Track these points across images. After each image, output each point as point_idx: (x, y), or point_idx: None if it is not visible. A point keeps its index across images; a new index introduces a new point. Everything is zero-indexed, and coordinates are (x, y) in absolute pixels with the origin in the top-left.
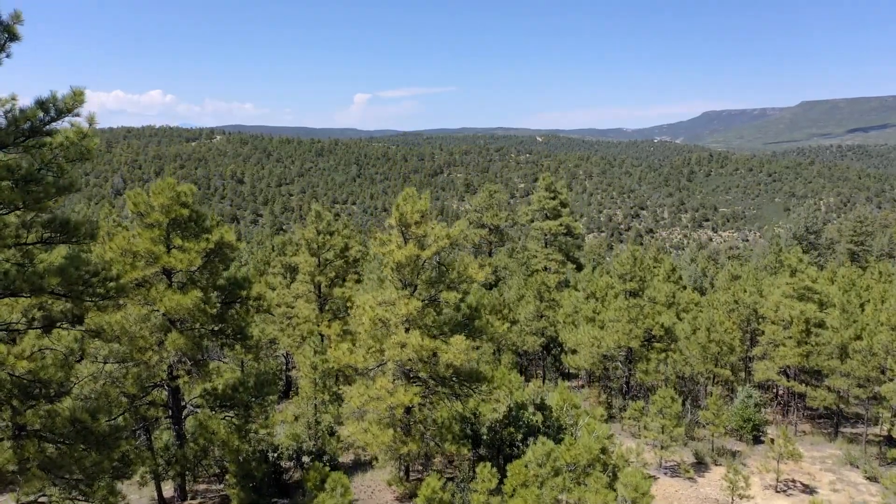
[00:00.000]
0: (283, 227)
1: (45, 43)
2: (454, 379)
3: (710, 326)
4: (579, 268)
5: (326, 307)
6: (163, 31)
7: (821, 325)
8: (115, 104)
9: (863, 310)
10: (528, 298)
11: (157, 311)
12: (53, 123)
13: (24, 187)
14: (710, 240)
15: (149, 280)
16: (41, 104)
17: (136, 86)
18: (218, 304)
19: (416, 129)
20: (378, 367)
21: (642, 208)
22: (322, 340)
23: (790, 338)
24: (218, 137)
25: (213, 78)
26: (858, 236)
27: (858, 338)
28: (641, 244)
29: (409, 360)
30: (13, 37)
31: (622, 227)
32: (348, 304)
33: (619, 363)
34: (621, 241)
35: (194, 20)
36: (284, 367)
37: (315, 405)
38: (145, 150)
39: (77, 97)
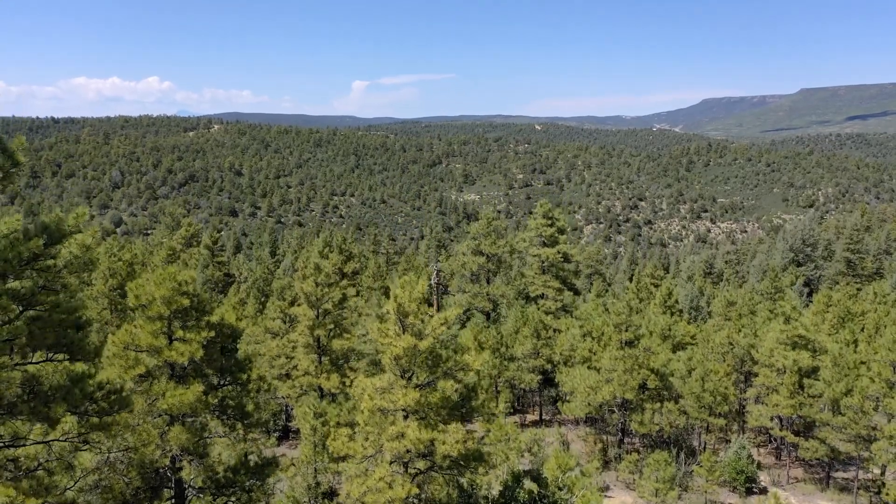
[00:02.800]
0: (282, 220)
1: (41, 27)
2: (451, 463)
3: (705, 376)
4: (576, 293)
5: (325, 358)
6: (160, 18)
7: (815, 370)
8: (111, 91)
9: (856, 346)
10: (525, 333)
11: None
12: (57, 245)
13: (27, 313)
14: (709, 231)
15: (151, 372)
16: (45, 228)
17: (132, 72)
18: (220, 395)
19: (415, 117)
20: (376, 454)
21: (641, 199)
22: (322, 395)
23: (783, 384)
24: (216, 127)
25: (212, 65)
26: (854, 244)
27: (850, 391)
28: (639, 235)
29: (407, 451)
30: (16, 163)
31: (620, 218)
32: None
33: (615, 410)
34: (619, 233)
35: (191, 6)
36: (283, 411)
37: (315, 468)
38: (143, 142)
39: (79, 217)
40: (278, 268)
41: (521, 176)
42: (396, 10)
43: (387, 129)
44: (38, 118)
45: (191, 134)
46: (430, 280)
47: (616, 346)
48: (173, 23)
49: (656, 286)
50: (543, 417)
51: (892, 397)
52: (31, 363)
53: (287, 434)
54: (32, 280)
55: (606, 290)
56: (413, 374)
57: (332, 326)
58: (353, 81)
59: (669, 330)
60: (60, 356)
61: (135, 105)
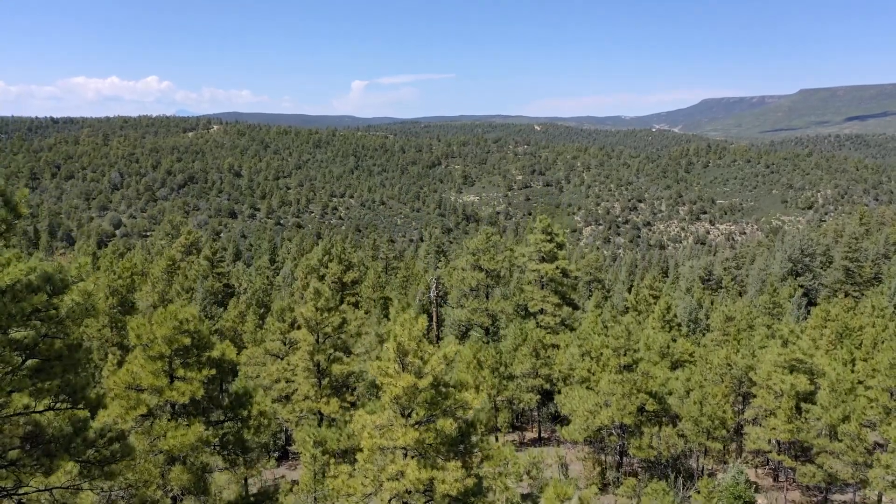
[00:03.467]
0: (281, 222)
1: (41, 27)
2: (451, 500)
3: (703, 399)
4: (575, 308)
5: (325, 381)
6: (159, 18)
7: (812, 394)
8: (110, 90)
9: (854, 365)
10: (524, 352)
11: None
12: (60, 295)
13: (29, 363)
14: (708, 232)
15: (152, 412)
16: (48, 279)
17: (132, 72)
18: (220, 432)
19: (415, 117)
20: (376, 491)
21: (640, 201)
22: (321, 420)
23: (780, 408)
24: (215, 127)
25: (211, 65)
26: (853, 252)
27: (846, 418)
28: (638, 236)
29: (407, 491)
30: (18, 215)
31: (620, 219)
32: (350, 379)
33: (614, 431)
34: (619, 235)
35: (191, 6)
36: (283, 431)
37: (314, 497)
38: (142, 143)
39: (82, 267)
40: (277, 275)
41: (520, 177)
42: (396, 10)
43: (386, 129)
44: (36, 118)
45: (190, 135)
46: (429, 291)
47: (614, 369)
48: (173, 23)
49: (655, 298)
50: (542, 435)
51: (889, 423)
52: (34, 412)
53: (286, 454)
54: (35, 329)
55: (606, 299)
56: (412, 410)
57: (331, 351)
58: (353, 81)
59: (668, 348)
60: (63, 405)
61: (134, 104)
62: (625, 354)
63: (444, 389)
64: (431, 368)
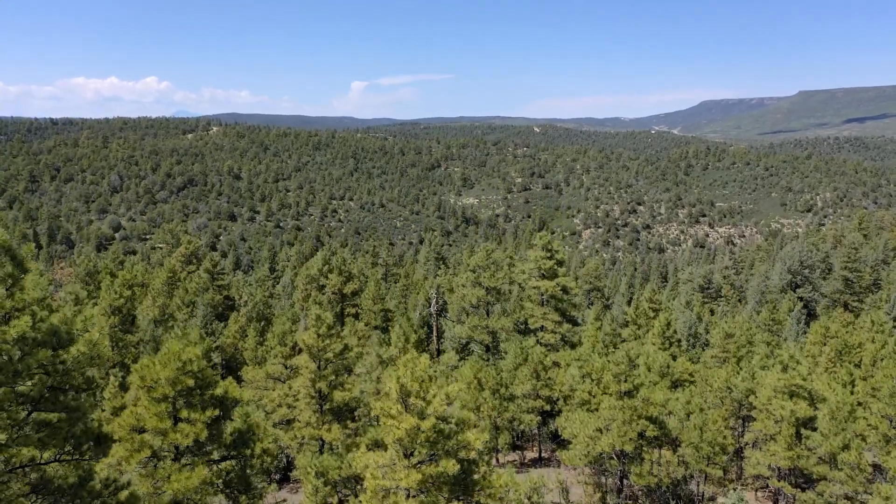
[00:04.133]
0: (280, 225)
1: (41, 27)
2: None
3: (703, 425)
4: (575, 324)
5: (327, 406)
6: (159, 18)
7: (813, 419)
8: (110, 91)
9: (853, 386)
10: (525, 372)
11: (165, 489)
12: (66, 347)
13: (34, 416)
14: (707, 235)
15: (156, 454)
16: (54, 332)
17: (131, 72)
18: (224, 470)
19: (414, 118)
20: None
21: (639, 203)
22: (322, 446)
23: (780, 434)
24: (215, 129)
25: (210, 65)
26: (852, 262)
27: (846, 446)
28: (637, 239)
29: None
30: (24, 270)
31: (619, 222)
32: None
33: (614, 457)
34: (618, 238)
35: (191, 6)
36: (284, 454)
37: None
38: (141, 145)
39: (88, 320)
40: (277, 284)
41: (519, 180)
42: (396, 10)
43: (385, 130)
44: (36, 119)
45: (189, 136)
46: (429, 305)
47: (615, 395)
48: (172, 23)
49: (655, 311)
50: (543, 455)
51: (888, 452)
52: (40, 464)
53: (288, 477)
54: (41, 381)
55: (606, 309)
56: (415, 450)
57: (332, 377)
58: (353, 82)
59: (668, 367)
60: (68, 455)
61: (133, 105)
62: (625, 381)
63: (446, 429)
64: (434, 409)
